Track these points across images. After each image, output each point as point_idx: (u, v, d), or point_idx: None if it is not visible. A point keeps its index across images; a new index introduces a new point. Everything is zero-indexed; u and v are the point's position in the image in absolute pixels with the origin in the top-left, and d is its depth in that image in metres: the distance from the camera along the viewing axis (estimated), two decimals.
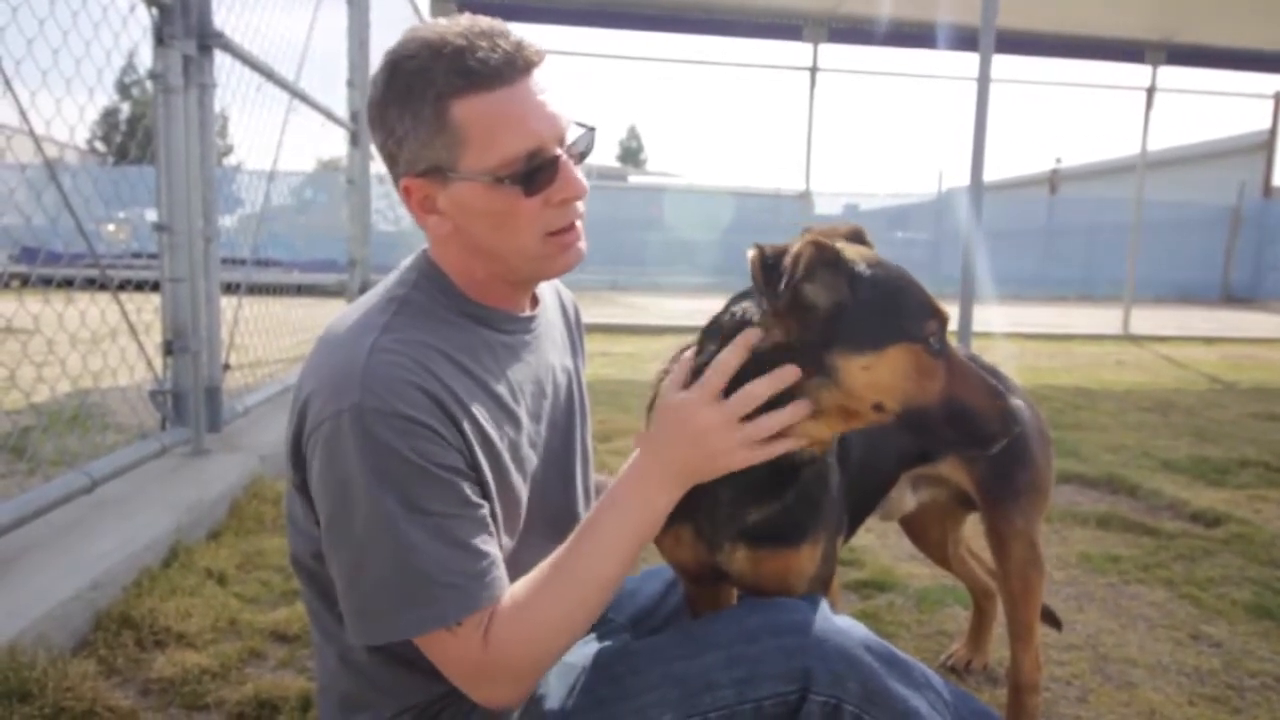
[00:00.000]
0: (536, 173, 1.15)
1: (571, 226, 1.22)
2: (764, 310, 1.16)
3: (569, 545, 1.17)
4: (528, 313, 1.34)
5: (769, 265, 1.11)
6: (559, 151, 1.17)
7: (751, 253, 1.12)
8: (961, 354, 1.20)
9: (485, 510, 1.15)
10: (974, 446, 1.21)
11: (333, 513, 1.10)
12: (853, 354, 1.12)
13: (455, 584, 1.08)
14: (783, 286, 1.09)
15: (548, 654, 1.14)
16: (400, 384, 1.09)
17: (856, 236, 1.28)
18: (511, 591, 1.14)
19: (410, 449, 1.07)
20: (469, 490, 1.12)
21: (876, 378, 1.12)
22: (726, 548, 1.29)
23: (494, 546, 1.14)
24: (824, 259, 1.14)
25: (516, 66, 1.13)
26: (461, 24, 1.14)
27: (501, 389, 1.24)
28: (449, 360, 1.17)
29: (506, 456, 1.22)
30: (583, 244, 1.25)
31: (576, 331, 1.56)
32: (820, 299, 1.13)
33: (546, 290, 1.47)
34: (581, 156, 1.23)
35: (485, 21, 1.15)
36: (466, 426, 1.14)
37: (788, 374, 1.13)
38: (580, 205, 1.23)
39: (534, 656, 1.12)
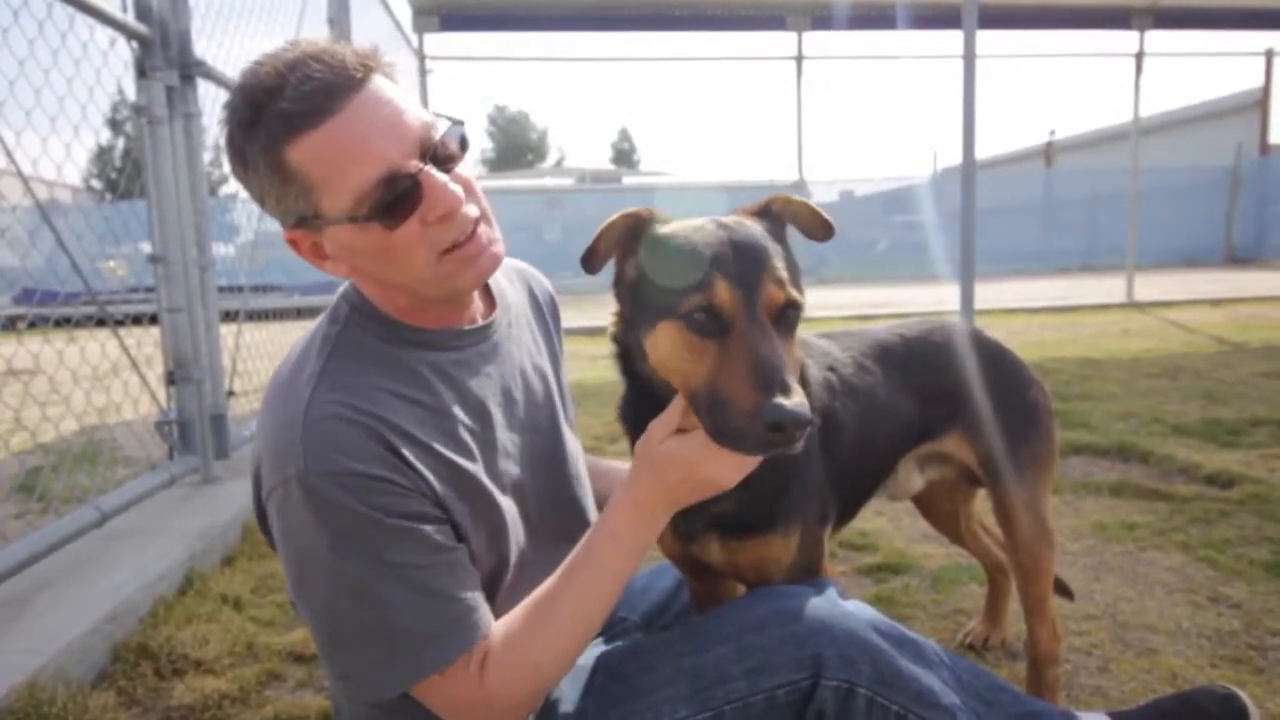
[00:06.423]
0: (398, 200, 1.04)
1: (470, 237, 1.10)
2: None
3: (564, 576, 1.14)
4: (479, 322, 1.27)
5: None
6: (416, 167, 1.05)
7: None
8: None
9: (460, 551, 1.12)
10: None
11: (297, 580, 1.08)
12: (645, 330, 1.08)
13: (436, 633, 1.07)
14: (582, 255, 1.08)
15: (547, 681, 1.13)
16: (343, 440, 1.04)
17: (766, 212, 1.16)
18: (505, 624, 1.13)
19: (366, 505, 1.03)
20: (437, 535, 1.08)
21: (658, 356, 1.07)
22: (699, 539, 1.30)
23: (473, 586, 1.11)
24: (633, 229, 1.10)
25: (339, 90, 1.02)
26: (282, 57, 1.03)
27: (460, 411, 1.18)
28: (395, 396, 1.11)
29: (483, 478, 1.18)
30: (496, 248, 1.15)
31: (552, 321, 1.50)
32: (631, 272, 1.11)
33: (510, 285, 1.41)
34: (461, 151, 1.12)
35: (306, 46, 1.05)
36: (422, 465, 1.09)
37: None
38: (473, 210, 1.10)
39: (533, 687, 1.12)
